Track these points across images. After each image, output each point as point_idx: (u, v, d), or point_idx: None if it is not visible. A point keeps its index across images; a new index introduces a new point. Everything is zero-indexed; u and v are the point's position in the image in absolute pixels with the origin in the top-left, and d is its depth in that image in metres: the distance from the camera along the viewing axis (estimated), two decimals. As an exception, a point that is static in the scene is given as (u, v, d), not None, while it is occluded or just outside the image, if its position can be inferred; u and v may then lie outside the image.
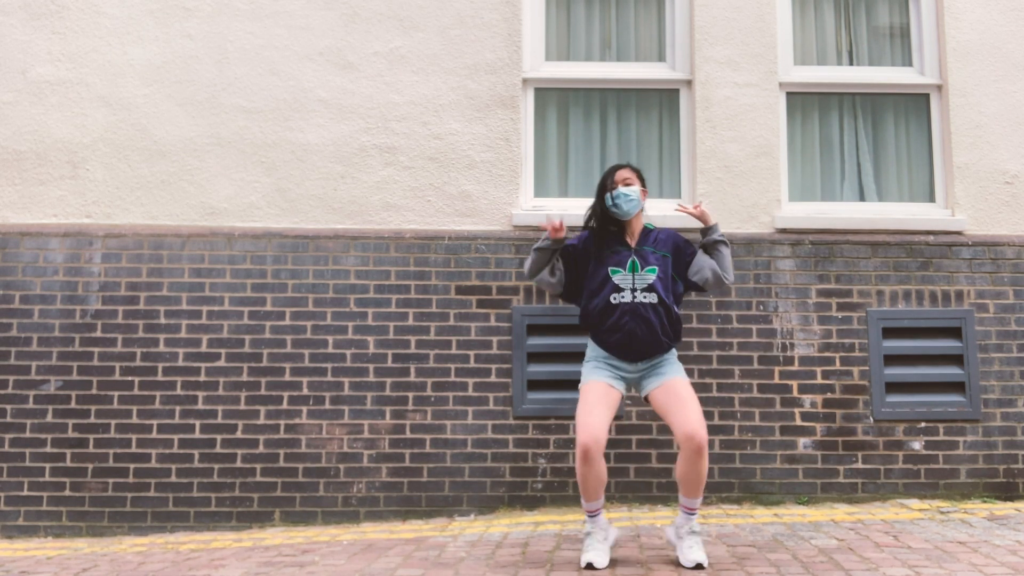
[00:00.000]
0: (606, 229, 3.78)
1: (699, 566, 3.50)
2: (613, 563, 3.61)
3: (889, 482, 4.98)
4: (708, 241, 3.81)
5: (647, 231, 3.83)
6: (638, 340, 3.64)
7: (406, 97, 5.27)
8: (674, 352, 3.76)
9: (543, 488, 4.94)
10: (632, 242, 3.77)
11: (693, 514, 3.61)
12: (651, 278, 3.68)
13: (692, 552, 3.54)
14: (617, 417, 4.96)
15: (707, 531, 4.25)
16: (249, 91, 5.25)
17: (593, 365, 3.71)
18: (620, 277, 3.68)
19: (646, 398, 3.70)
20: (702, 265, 3.77)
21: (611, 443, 4.95)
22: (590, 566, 3.52)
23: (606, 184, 3.78)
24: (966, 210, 5.28)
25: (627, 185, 3.74)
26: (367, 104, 5.26)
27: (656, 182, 5.44)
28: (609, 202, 3.74)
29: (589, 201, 5.30)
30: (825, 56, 5.61)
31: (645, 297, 3.66)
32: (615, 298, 3.66)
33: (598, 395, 3.58)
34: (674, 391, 3.58)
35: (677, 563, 3.60)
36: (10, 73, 5.23)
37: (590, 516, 3.64)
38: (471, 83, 5.29)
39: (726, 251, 3.79)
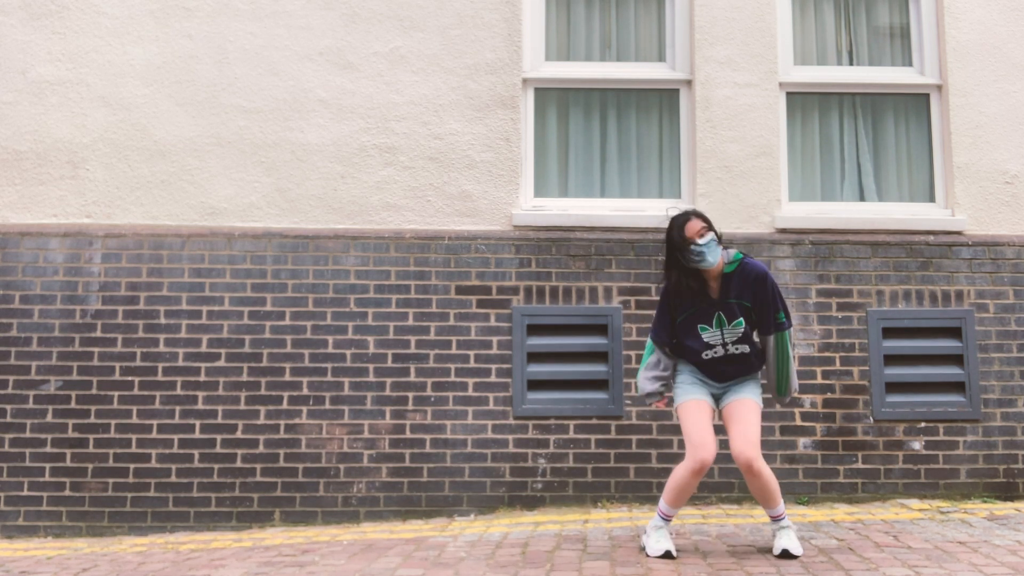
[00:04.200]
0: (686, 284, 3.72)
1: (785, 553, 3.65)
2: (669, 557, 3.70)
3: (889, 482, 4.97)
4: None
5: (727, 276, 3.73)
6: (730, 375, 3.79)
7: (406, 97, 5.27)
8: (757, 373, 3.87)
9: (543, 488, 4.94)
10: (714, 292, 3.74)
11: (778, 520, 3.74)
12: (740, 331, 3.72)
13: (779, 541, 3.70)
14: (617, 417, 4.98)
15: (707, 531, 4.26)
16: (249, 91, 5.25)
17: (688, 381, 3.81)
18: (709, 335, 3.74)
19: (720, 412, 3.82)
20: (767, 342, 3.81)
21: (611, 443, 4.96)
22: (667, 554, 3.67)
23: (675, 241, 3.69)
24: (966, 210, 5.28)
25: (702, 236, 3.63)
26: (367, 104, 5.26)
27: (656, 182, 5.44)
28: (691, 260, 3.66)
29: (589, 201, 5.38)
30: (825, 56, 5.60)
31: (737, 349, 3.74)
32: (707, 354, 3.75)
33: (703, 413, 3.71)
34: (737, 409, 3.72)
35: (677, 563, 3.61)
36: (10, 73, 5.23)
37: (665, 519, 3.77)
38: (471, 83, 5.29)
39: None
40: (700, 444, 3.62)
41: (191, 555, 4.15)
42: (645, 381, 3.89)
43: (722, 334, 3.72)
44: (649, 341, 3.93)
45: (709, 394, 3.80)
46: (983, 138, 5.31)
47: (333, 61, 5.28)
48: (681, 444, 4.91)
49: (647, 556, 3.71)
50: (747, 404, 3.72)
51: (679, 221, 3.71)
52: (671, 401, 3.91)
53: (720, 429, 3.84)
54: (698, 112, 5.30)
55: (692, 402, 3.74)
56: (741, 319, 3.71)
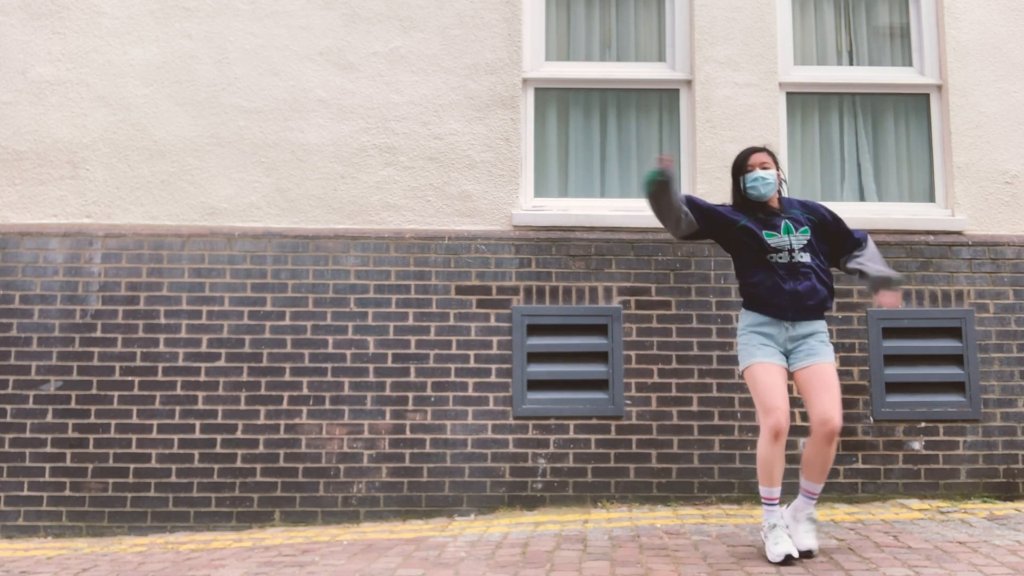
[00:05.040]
0: (747, 205, 3.82)
1: (808, 553, 3.59)
2: (790, 561, 3.55)
3: (889, 482, 4.98)
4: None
5: (786, 201, 3.88)
6: (799, 297, 3.68)
7: (406, 97, 5.27)
8: (825, 325, 3.78)
9: (543, 488, 4.94)
10: (779, 209, 3.83)
11: (813, 499, 3.68)
12: (806, 239, 3.75)
13: (806, 538, 3.62)
14: (617, 417, 4.97)
15: (707, 531, 4.26)
16: (249, 91, 5.25)
17: (753, 341, 3.72)
18: (776, 240, 3.74)
19: (792, 374, 3.73)
20: (862, 261, 3.86)
21: (611, 443, 4.96)
22: (788, 558, 3.52)
23: (742, 166, 3.82)
24: (966, 210, 5.28)
25: (764, 168, 3.77)
26: (367, 104, 5.26)
27: (656, 182, 5.43)
28: (746, 186, 3.78)
29: (589, 201, 5.38)
30: (825, 56, 5.61)
31: (802, 256, 3.73)
32: (773, 258, 3.72)
33: (774, 376, 3.63)
34: (819, 375, 3.63)
35: (677, 563, 3.60)
36: (10, 73, 5.23)
37: (770, 505, 3.64)
38: (471, 83, 5.29)
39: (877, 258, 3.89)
40: (771, 408, 3.55)
41: (191, 555, 4.15)
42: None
43: (790, 241, 3.72)
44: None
45: (779, 353, 3.70)
46: (983, 138, 5.31)
47: (333, 61, 5.28)
48: (681, 444, 4.92)
49: (768, 562, 3.56)
50: (826, 368, 3.64)
51: (748, 150, 3.86)
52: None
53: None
54: (698, 112, 5.30)
55: (760, 365, 3.64)
56: (807, 227, 3.77)
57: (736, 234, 3.79)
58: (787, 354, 3.73)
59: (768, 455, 3.58)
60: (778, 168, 3.85)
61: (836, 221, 3.89)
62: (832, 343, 5.03)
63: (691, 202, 3.82)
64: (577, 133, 5.53)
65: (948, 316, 5.12)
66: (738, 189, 3.85)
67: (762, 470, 3.62)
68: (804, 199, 3.98)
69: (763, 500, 3.67)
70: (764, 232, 3.74)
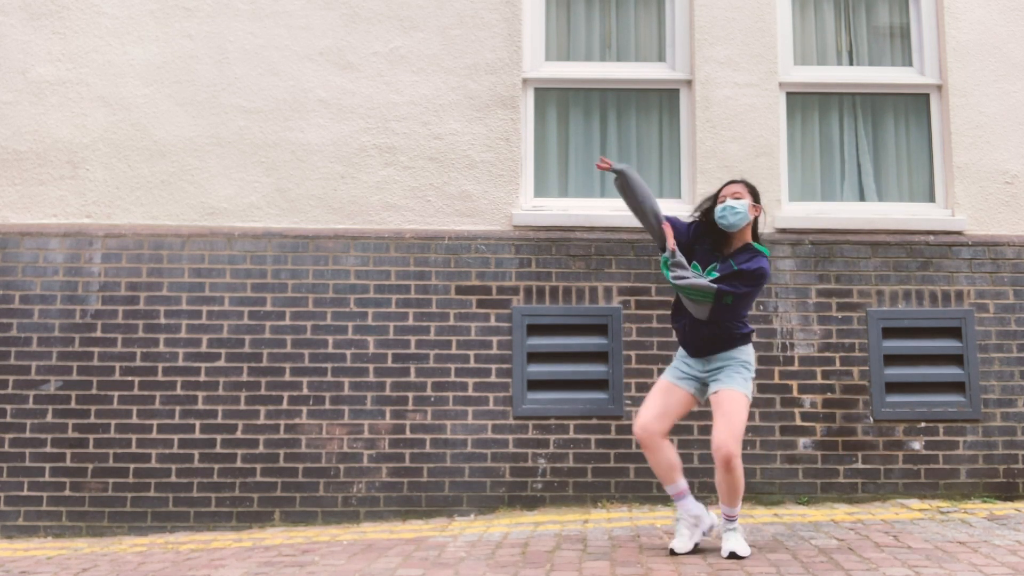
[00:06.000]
0: (709, 234, 3.85)
1: (732, 555, 3.67)
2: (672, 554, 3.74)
3: (889, 482, 4.98)
4: None
5: (748, 249, 3.80)
6: (706, 344, 3.77)
7: (406, 97, 5.27)
8: (740, 356, 3.78)
9: (543, 488, 4.94)
10: (727, 251, 3.81)
11: (732, 520, 3.77)
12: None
13: (727, 543, 3.72)
14: (617, 417, 4.98)
15: (707, 531, 4.26)
16: (249, 91, 5.25)
17: (672, 365, 3.91)
18: (697, 274, 3.74)
19: (708, 400, 3.84)
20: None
21: (610, 443, 4.96)
22: (672, 552, 3.74)
23: (716, 196, 3.85)
24: (966, 210, 5.28)
25: (736, 198, 3.76)
26: (367, 104, 5.26)
27: (656, 182, 5.43)
28: (716, 213, 3.79)
29: (589, 201, 5.38)
30: (825, 56, 5.60)
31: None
32: (679, 281, 3.72)
33: (659, 388, 3.85)
34: (720, 403, 3.72)
35: (677, 563, 3.61)
36: (10, 73, 5.23)
37: (677, 500, 3.85)
38: (471, 83, 5.29)
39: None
40: (638, 416, 3.80)
41: (191, 555, 4.15)
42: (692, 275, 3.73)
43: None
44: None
45: (691, 378, 3.80)
46: (983, 138, 5.31)
47: (333, 61, 5.28)
48: (681, 444, 4.91)
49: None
50: (733, 396, 3.71)
51: (729, 182, 3.90)
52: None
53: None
54: (698, 112, 5.30)
55: (660, 380, 3.88)
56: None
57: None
58: (705, 383, 3.83)
59: (649, 460, 3.83)
60: (755, 201, 3.82)
61: (747, 281, 3.73)
62: (832, 343, 5.04)
63: (671, 225, 3.84)
64: (577, 133, 5.53)
65: (948, 316, 5.12)
66: (709, 217, 3.85)
67: (656, 473, 3.87)
68: (761, 261, 3.74)
69: (672, 496, 3.89)
70: (694, 262, 3.80)
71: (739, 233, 3.81)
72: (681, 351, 3.90)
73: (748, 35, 5.35)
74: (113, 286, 5.04)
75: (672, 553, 3.72)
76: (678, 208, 4.91)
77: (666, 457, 3.78)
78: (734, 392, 3.72)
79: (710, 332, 3.75)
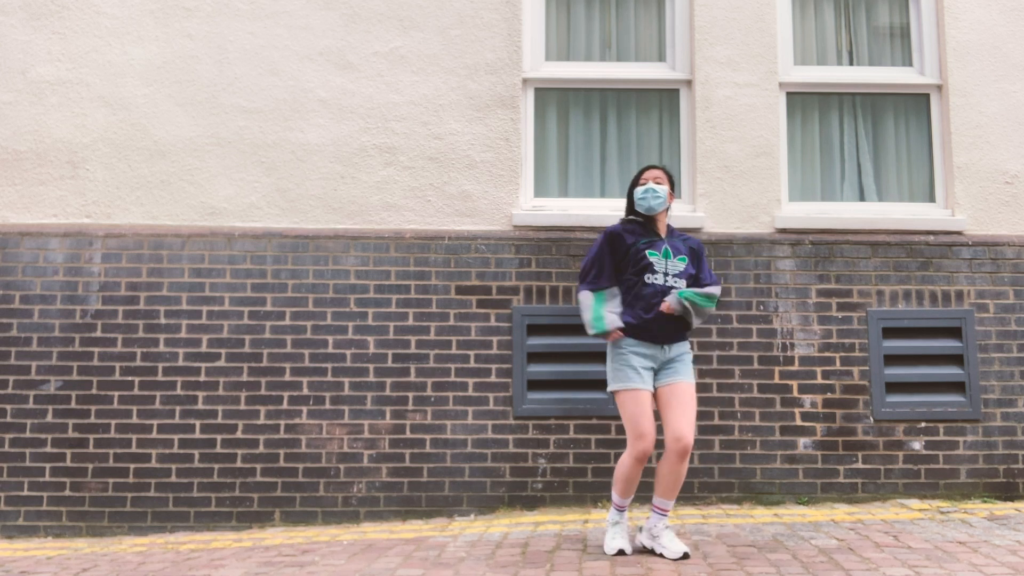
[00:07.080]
0: (636, 221, 3.98)
1: (686, 555, 3.69)
2: (622, 555, 3.80)
3: (889, 482, 4.98)
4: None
5: (671, 229, 4.05)
6: (670, 332, 3.82)
7: (406, 97, 5.27)
8: (688, 345, 3.91)
9: (543, 488, 4.94)
10: (662, 234, 3.98)
11: (665, 515, 3.79)
12: (682, 266, 3.90)
13: (674, 544, 3.73)
14: (616, 417, 4.96)
15: (707, 531, 4.26)
16: (249, 91, 5.25)
17: (632, 363, 3.79)
18: (656, 259, 3.85)
19: (655, 392, 3.82)
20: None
21: (610, 443, 4.96)
22: (621, 552, 3.78)
23: (636, 180, 3.99)
24: (966, 210, 5.28)
25: (657, 183, 3.92)
26: (367, 104, 5.26)
27: (656, 182, 5.43)
28: (636, 196, 3.93)
29: (589, 201, 5.39)
30: (825, 56, 5.61)
31: (676, 282, 3.87)
32: (649, 278, 3.83)
33: (644, 404, 3.76)
34: (678, 394, 3.78)
35: (677, 563, 3.61)
36: (10, 73, 5.23)
37: (618, 510, 3.88)
38: (471, 83, 5.29)
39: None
40: (642, 434, 3.71)
41: (191, 555, 4.15)
42: (613, 316, 3.82)
43: (666, 265, 3.86)
44: (588, 292, 3.89)
45: (649, 371, 3.80)
46: (983, 138, 5.31)
47: (333, 61, 5.28)
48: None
49: (604, 554, 3.80)
50: (691, 388, 3.81)
51: (646, 166, 4.04)
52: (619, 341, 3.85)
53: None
54: (698, 112, 5.30)
55: (633, 393, 3.76)
56: (685, 256, 3.92)
57: (630, 253, 3.87)
58: (656, 372, 3.84)
59: (629, 473, 3.77)
60: (672, 189, 4.00)
61: (702, 259, 4.03)
62: (832, 343, 5.05)
63: (608, 278, 3.91)
64: (577, 133, 5.53)
65: (948, 316, 5.12)
66: (631, 202, 3.98)
67: (621, 482, 3.81)
68: (684, 233, 4.10)
69: (614, 504, 3.89)
70: (648, 252, 3.87)
71: (661, 218, 3.96)
72: (629, 342, 3.80)
73: (748, 35, 5.35)
74: (113, 286, 5.04)
75: (623, 553, 3.77)
76: (678, 208, 4.91)
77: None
78: (691, 384, 3.83)
79: (675, 317, 3.83)
